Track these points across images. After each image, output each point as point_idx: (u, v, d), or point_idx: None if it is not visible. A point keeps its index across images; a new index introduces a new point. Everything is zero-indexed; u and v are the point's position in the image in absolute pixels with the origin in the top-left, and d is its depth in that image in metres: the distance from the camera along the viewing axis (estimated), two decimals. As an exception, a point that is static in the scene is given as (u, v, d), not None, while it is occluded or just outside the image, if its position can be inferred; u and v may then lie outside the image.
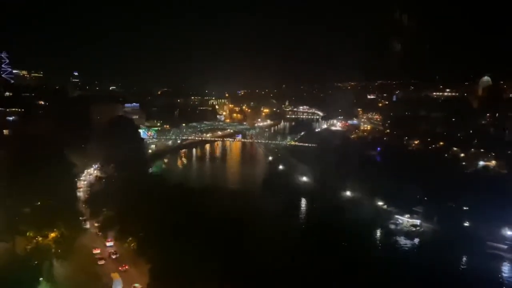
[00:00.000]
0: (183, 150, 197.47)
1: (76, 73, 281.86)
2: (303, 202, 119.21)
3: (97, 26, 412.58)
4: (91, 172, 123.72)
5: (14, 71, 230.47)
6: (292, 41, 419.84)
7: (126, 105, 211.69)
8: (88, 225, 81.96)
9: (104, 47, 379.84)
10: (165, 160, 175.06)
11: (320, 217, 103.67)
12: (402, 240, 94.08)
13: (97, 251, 70.51)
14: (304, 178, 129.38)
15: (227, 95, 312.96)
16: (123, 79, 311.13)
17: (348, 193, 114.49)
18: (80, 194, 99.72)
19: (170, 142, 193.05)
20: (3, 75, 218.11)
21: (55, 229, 67.37)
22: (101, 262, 67.18)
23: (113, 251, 70.77)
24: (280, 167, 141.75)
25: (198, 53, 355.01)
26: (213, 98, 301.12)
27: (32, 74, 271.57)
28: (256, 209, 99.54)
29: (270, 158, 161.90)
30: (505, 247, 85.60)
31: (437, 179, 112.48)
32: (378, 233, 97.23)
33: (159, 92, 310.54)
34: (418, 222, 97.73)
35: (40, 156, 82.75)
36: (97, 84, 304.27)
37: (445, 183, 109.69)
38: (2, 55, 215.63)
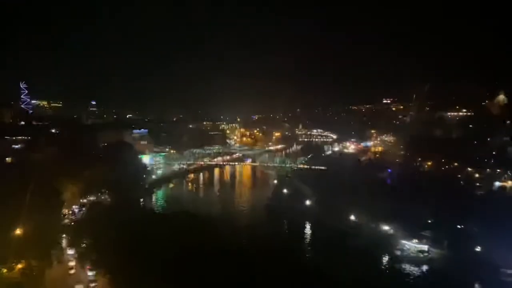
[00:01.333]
0: (191, 175, 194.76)
1: (93, 102, 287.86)
2: (304, 227, 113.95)
3: (117, 57, 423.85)
4: (86, 200, 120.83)
5: (33, 101, 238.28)
6: (307, 66, 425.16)
7: (135, 131, 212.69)
8: (66, 255, 79.26)
9: (124, 77, 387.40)
10: (170, 185, 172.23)
11: (320, 245, 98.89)
12: (408, 268, 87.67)
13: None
14: (308, 202, 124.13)
15: (238, 119, 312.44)
16: (142, 108, 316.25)
17: (352, 217, 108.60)
18: (66, 222, 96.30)
19: (177, 167, 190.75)
20: (22, 105, 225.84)
21: (22, 261, 63.91)
22: None
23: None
24: (285, 190, 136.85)
25: (215, 80, 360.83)
26: (224, 123, 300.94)
27: (52, 104, 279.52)
28: (256, 237, 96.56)
29: (275, 181, 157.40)
30: (521, 275, 78.51)
31: (448, 201, 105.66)
32: (382, 260, 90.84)
33: (174, 119, 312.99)
34: (426, 247, 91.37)
35: (27, 184, 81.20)
36: (115, 113, 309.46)
37: (457, 205, 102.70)
38: (22, 86, 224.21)
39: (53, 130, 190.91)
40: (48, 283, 63.99)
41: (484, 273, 79.56)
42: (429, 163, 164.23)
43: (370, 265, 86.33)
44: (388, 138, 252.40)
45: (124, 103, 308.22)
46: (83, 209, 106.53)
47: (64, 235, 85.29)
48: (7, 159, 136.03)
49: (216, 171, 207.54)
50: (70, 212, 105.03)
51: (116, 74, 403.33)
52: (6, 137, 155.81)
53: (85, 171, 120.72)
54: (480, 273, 79.87)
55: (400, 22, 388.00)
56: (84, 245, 77.04)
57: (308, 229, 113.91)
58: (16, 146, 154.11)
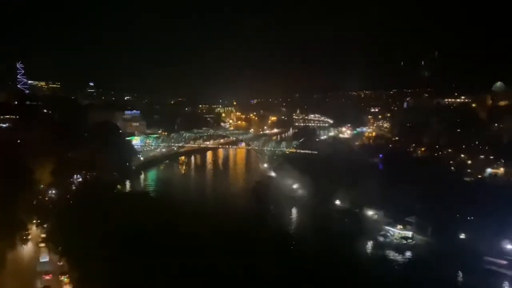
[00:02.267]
0: (182, 157, 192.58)
1: (91, 84, 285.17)
2: (288, 211, 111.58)
3: (118, 40, 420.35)
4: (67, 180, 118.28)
5: (30, 81, 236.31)
6: (306, 51, 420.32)
7: (127, 112, 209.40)
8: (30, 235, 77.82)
9: (125, 60, 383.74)
10: (159, 167, 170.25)
11: (302, 229, 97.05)
12: (391, 255, 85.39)
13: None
14: (295, 186, 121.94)
15: (235, 103, 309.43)
16: (141, 90, 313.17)
17: (337, 201, 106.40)
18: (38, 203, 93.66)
19: (167, 150, 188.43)
20: (18, 86, 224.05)
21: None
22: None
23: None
24: (272, 174, 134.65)
25: (214, 65, 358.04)
26: (220, 106, 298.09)
27: (50, 85, 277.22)
28: (238, 220, 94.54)
29: (265, 165, 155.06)
30: (505, 262, 76.28)
31: (437, 187, 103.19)
32: (364, 246, 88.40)
33: (172, 102, 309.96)
34: (410, 234, 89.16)
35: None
36: (113, 95, 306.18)
37: (446, 191, 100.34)
38: (18, 66, 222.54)
39: (44, 110, 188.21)
40: (7, 263, 62.04)
41: (467, 261, 77.39)
42: (422, 149, 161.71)
43: (350, 250, 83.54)
44: (384, 124, 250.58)
45: (123, 85, 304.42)
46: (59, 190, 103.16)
47: (34, 216, 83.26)
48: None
49: (209, 154, 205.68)
50: (47, 192, 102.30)
51: (117, 58, 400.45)
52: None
53: (68, 152, 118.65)
54: (463, 260, 77.65)
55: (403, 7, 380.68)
56: (47, 225, 75.20)
57: (291, 213, 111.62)
58: (3, 125, 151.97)
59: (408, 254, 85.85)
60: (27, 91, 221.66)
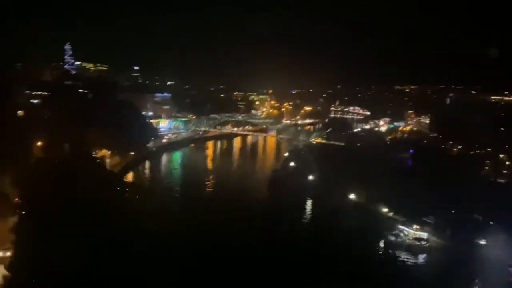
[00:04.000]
0: (207, 141, 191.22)
1: (136, 68, 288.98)
2: (298, 203, 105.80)
3: (167, 28, 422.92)
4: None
5: (77, 62, 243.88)
6: (353, 42, 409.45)
7: (157, 94, 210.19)
8: None
9: (173, 46, 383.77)
10: (182, 151, 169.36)
11: (308, 223, 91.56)
12: (401, 256, 77.94)
13: None
14: (311, 177, 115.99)
15: (270, 91, 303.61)
16: (186, 77, 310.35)
17: (352, 196, 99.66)
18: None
19: (194, 133, 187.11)
20: (65, 66, 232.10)
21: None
22: None
23: None
24: (292, 164, 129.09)
25: (259, 53, 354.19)
26: (255, 93, 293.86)
27: (98, 68, 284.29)
28: (250, 210, 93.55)
29: (286, 154, 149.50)
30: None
31: (464, 187, 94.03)
32: (372, 245, 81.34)
33: (212, 89, 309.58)
34: (425, 235, 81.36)
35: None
36: (157, 80, 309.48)
37: (474, 192, 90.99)
38: (66, 47, 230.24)
39: (80, 90, 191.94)
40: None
41: (487, 270, 69.21)
42: (459, 147, 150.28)
43: (357, 248, 77.20)
44: (425, 119, 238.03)
45: (168, 72, 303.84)
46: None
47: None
48: (18, 112, 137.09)
49: (235, 140, 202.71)
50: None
51: (165, 45, 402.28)
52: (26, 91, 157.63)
53: (84, 129, 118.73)
54: (483, 269, 69.54)
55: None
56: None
57: (301, 205, 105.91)
58: (34, 101, 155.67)
59: (421, 257, 78.23)
60: (74, 72, 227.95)
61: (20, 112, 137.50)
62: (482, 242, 76.21)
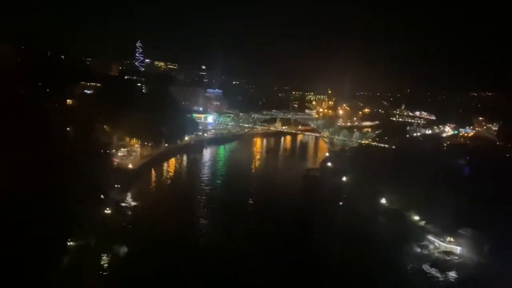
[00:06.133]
0: (252, 138, 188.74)
1: (203, 67, 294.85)
2: (331, 206, 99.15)
3: (238, 32, 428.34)
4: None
5: (146, 60, 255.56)
6: (427, 48, 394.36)
7: (209, 90, 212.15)
8: None
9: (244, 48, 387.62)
10: (225, 145, 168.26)
11: (333, 225, 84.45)
12: (427, 270, 68.70)
13: None
14: (345, 179, 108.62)
15: (329, 91, 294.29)
16: (252, 77, 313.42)
17: (383, 201, 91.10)
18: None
19: (239, 129, 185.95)
20: (135, 63, 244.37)
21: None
22: None
23: None
24: (329, 164, 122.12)
25: (329, 54, 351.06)
26: (312, 93, 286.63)
27: (169, 66, 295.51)
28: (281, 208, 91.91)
29: (327, 154, 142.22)
30: None
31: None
32: (395, 255, 72.42)
33: (275, 88, 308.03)
34: (458, 249, 71.46)
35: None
36: (223, 79, 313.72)
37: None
38: (137, 45, 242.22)
39: (138, 84, 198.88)
40: None
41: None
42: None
43: (380, 257, 69.70)
44: (495, 127, 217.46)
45: (234, 72, 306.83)
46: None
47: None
48: (68, 100, 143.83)
49: (282, 138, 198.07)
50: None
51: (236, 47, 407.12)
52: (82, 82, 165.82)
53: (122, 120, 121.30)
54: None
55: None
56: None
57: (331, 208, 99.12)
58: (87, 91, 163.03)
59: (451, 274, 68.53)
60: (143, 69, 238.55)
61: (69, 101, 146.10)
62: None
